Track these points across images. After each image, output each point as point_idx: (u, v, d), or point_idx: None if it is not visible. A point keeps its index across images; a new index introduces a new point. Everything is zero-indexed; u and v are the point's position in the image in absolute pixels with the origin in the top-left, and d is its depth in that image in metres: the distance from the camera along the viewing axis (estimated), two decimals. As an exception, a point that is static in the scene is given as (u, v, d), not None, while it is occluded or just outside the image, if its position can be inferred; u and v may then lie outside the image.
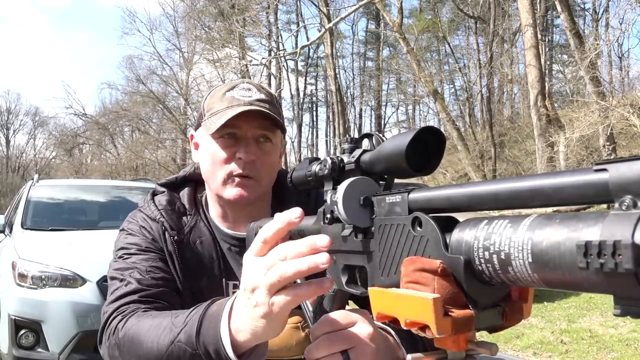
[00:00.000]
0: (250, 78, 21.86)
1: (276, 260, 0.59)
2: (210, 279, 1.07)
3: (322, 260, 0.57)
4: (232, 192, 1.05)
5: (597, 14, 20.31)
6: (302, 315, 0.92)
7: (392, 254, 0.55)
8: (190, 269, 1.06)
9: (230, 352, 0.65)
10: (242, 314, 0.63)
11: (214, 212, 1.14)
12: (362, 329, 0.68)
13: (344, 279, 0.67)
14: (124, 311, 0.93)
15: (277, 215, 0.64)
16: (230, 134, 1.05)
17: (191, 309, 0.75)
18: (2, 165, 37.55)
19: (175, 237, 1.06)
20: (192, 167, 1.18)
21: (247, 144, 1.05)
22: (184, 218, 1.11)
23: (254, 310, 0.61)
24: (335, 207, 0.62)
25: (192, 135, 1.17)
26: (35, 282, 3.64)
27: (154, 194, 1.15)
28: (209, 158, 1.07)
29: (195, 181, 1.17)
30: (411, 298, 0.48)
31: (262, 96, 1.06)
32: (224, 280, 1.08)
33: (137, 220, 1.10)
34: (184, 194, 1.15)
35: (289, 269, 0.57)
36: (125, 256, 1.04)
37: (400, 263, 0.53)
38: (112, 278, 1.02)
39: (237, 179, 1.05)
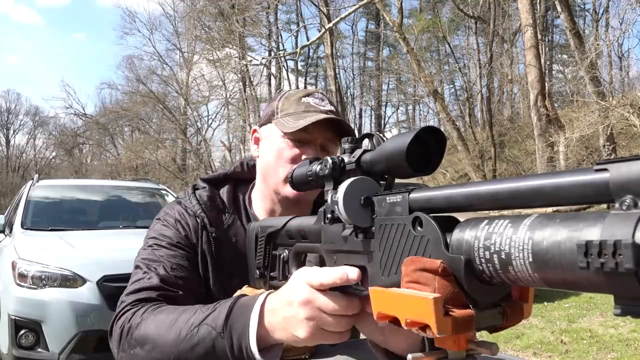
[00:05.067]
0: (250, 78, 21.90)
1: (320, 312, 0.66)
2: (242, 278, 1.08)
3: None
4: (291, 190, 1.07)
5: (597, 14, 20.29)
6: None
7: (392, 254, 0.55)
8: (224, 267, 1.08)
9: (253, 344, 0.72)
10: (279, 321, 0.70)
11: (261, 207, 1.15)
12: None
13: (344, 279, 0.67)
14: (139, 306, 0.94)
15: (339, 269, 0.66)
16: (301, 136, 1.08)
17: (215, 302, 0.80)
18: (2, 165, 37.47)
19: (214, 234, 1.08)
20: (233, 166, 1.22)
21: (315, 148, 1.09)
22: (223, 215, 1.13)
23: (292, 326, 0.68)
24: (335, 207, 0.62)
25: (254, 130, 1.20)
26: (35, 282, 3.64)
27: (195, 188, 1.17)
28: (275, 154, 1.10)
29: (235, 180, 1.19)
30: (412, 298, 0.48)
31: (332, 108, 1.12)
32: None
33: (174, 212, 1.11)
34: (224, 191, 1.17)
35: (329, 325, 0.67)
36: (155, 247, 1.06)
37: (400, 263, 0.53)
38: (137, 267, 1.03)
39: None
